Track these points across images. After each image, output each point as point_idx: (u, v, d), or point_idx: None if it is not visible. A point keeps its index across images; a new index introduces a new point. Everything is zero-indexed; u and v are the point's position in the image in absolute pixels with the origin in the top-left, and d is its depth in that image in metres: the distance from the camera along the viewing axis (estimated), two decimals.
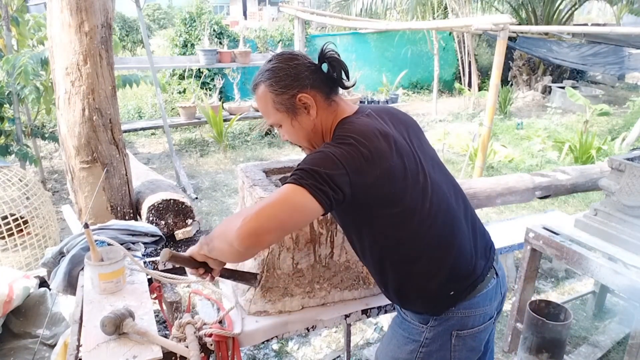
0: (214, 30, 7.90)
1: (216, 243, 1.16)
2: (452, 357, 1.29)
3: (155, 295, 1.65)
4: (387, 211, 1.18)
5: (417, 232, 1.21)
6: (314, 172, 1.08)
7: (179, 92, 7.82)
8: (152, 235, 2.02)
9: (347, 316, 1.53)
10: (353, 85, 1.32)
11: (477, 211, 1.64)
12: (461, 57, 9.71)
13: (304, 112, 1.26)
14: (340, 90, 1.33)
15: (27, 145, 4.56)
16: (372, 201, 1.17)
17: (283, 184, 1.11)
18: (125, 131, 5.67)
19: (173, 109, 7.50)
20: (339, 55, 1.28)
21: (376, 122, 1.25)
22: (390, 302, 1.58)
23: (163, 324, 2.48)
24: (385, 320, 2.74)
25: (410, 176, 1.20)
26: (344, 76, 1.29)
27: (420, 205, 1.20)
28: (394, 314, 1.62)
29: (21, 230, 2.73)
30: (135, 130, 6.62)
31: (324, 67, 1.29)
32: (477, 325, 1.29)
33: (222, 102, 6.96)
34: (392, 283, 1.29)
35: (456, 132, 6.93)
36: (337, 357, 2.50)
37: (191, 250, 1.24)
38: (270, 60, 1.28)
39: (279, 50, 7.73)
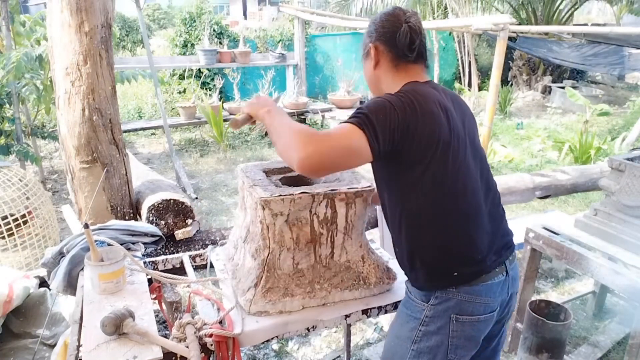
0: (214, 30, 7.90)
1: (283, 139, 1.19)
2: (450, 343, 1.31)
3: (155, 295, 1.65)
4: (418, 171, 1.24)
5: (438, 205, 1.27)
6: (375, 119, 1.16)
7: (179, 92, 7.82)
8: (152, 235, 2.02)
9: (347, 316, 1.53)
10: (414, 57, 1.37)
11: None
12: (461, 57, 9.70)
13: (369, 60, 1.40)
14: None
15: (28, 144, 4.56)
16: (410, 156, 1.22)
17: (344, 122, 1.19)
18: (125, 131, 5.67)
19: (173, 109, 7.50)
20: (420, 26, 1.36)
21: (440, 95, 1.32)
22: (390, 302, 1.60)
23: (163, 324, 2.48)
24: (386, 320, 2.74)
25: (452, 151, 1.26)
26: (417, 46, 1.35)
27: (451, 181, 1.26)
28: (395, 313, 1.63)
29: (21, 229, 2.73)
30: (135, 130, 6.64)
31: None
32: (477, 314, 1.31)
33: (222, 102, 6.96)
34: (405, 245, 1.35)
35: None
36: (337, 357, 2.50)
37: (253, 110, 1.34)
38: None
39: (279, 50, 7.67)
